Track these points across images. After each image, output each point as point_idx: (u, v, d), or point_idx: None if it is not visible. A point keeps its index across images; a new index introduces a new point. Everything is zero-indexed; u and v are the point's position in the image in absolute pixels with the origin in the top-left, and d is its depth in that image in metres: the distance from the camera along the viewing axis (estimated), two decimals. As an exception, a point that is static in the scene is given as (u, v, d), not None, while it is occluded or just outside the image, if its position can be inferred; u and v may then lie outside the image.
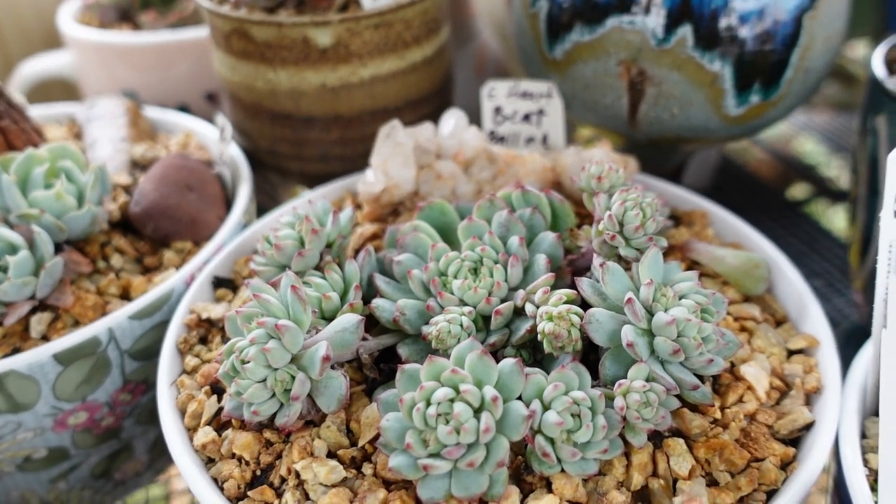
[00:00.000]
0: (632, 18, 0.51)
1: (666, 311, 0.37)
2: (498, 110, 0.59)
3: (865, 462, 0.37)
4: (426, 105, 0.64)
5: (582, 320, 0.37)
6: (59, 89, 0.92)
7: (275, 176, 0.72)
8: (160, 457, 0.57)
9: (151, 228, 0.54)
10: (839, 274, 0.73)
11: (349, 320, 0.39)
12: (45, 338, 0.47)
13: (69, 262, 0.49)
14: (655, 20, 0.51)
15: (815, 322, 0.44)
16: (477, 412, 0.34)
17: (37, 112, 0.70)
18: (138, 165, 0.62)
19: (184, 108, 0.77)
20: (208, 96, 0.77)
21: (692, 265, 0.48)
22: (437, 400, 0.34)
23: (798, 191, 0.85)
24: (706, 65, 0.51)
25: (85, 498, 0.54)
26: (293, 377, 0.37)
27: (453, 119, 0.55)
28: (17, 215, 0.49)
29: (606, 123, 0.58)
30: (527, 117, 0.58)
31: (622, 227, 0.41)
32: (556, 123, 0.58)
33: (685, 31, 0.50)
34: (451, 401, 0.34)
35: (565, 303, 0.38)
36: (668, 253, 0.49)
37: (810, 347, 0.43)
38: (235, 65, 0.61)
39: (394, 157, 0.52)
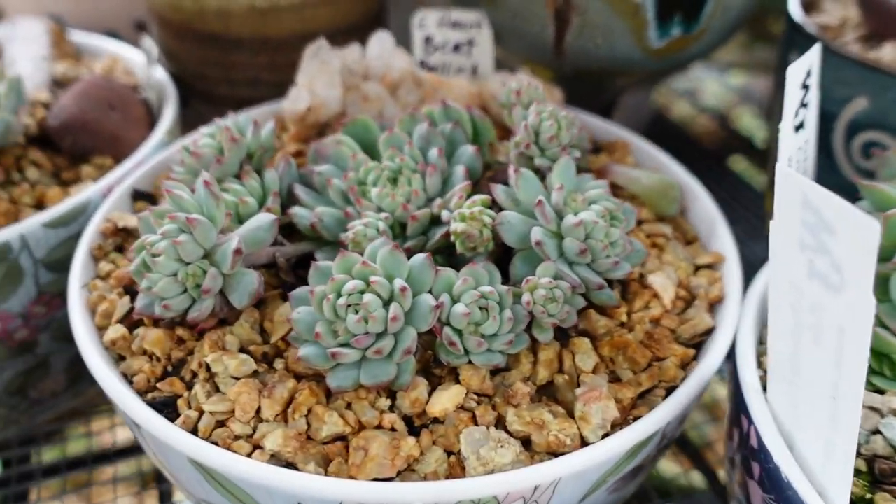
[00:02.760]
0: (559, -55, 0.52)
1: (575, 214, 0.38)
2: (428, 40, 0.59)
3: (760, 365, 0.39)
4: (357, 34, 0.63)
5: (494, 222, 0.38)
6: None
7: (206, 108, 0.71)
8: (80, 379, 0.57)
9: (70, 142, 0.53)
10: (758, 222, 0.75)
11: (263, 218, 0.39)
12: (-46, 244, 0.46)
13: (-19, 170, 0.48)
14: (582, -53, 0.51)
15: (722, 241, 0.46)
16: (386, 304, 0.35)
17: (-46, 32, 0.68)
18: (60, 84, 0.61)
19: (112, 37, 0.75)
20: (138, 25, 0.76)
21: (611, 188, 0.49)
22: (348, 291, 0.34)
23: (727, 148, 0.87)
24: (630, -6, 0.52)
25: (0, 415, 0.53)
26: (205, 272, 0.37)
27: (380, 42, 0.55)
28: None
29: (534, 55, 0.59)
30: (457, 48, 0.58)
31: (538, 137, 0.42)
32: (486, 54, 0.58)
33: (610, -41, 0.51)
34: (361, 292, 0.34)
35: (479, 206, 0.39)
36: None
37: (716, 263, 0.45)
38: (162, -17, 0.60)
39: (320, 75, 0.52)
